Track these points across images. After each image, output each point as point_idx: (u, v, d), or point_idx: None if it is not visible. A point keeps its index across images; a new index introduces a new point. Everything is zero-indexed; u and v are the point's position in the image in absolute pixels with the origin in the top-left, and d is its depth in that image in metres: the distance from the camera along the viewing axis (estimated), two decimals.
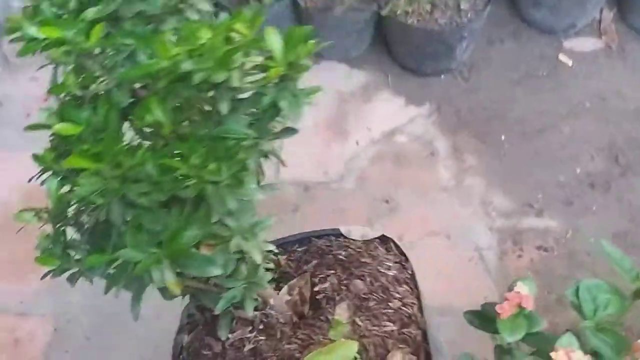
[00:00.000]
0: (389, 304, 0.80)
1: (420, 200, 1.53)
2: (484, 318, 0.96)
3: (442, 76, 1.69)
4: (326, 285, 0.82)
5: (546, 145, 1.58)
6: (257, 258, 0.64)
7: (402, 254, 0.85)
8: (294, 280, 0.84)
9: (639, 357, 0.86)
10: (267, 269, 0.71)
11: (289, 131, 0.62)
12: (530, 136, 1.60)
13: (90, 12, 0.56)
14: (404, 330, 0.78)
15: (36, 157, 0.58)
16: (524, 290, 0.89)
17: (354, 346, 0.71)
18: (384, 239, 0.87)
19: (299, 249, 0.87)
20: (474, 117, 1.63)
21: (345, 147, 1.61)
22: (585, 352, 0.85)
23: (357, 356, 0.71)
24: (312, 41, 0.55)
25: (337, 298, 0.79)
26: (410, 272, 0.83)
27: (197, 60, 0.51)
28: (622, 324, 0.97)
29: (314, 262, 0.86)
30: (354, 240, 0.87)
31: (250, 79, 0.55)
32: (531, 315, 0.91)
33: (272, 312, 0.79)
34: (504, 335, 0.88)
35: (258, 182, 0.69)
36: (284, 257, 0.86)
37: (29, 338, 1.37)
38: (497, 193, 1.53)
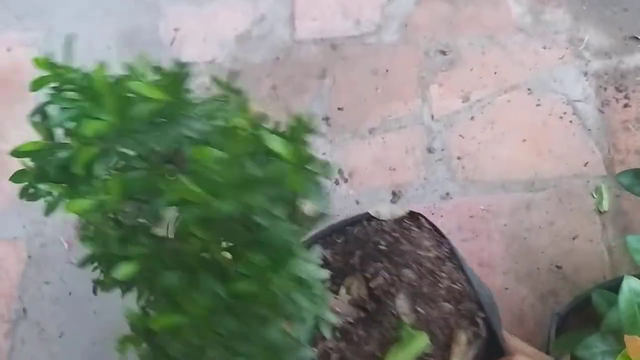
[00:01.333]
0: (440, 285, 0.80)
1: (488, 45, 1.15)
2: None
3: None
4: (379, 279, 0.80)
5: None
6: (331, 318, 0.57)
7: (435, 229, 0.83)
8: (348, 278, 0.81)
9: None
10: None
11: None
12: None
13: None
14: (459, 306, 0.77)
15: None
16: None
17: (424, 337, 0.74)
18: (413, 215, 0.84)
19: (338, 240, 0.85)
20: None
21: None
22: None
23: (430, 344, 0.75)
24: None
25: (393, 290, 0.79)
26: (448, 248, 0.81)
27: None
28: None
29: (358, 253, 0.82)
30: (385, 221, 0.84)
31: None
32: None
33: (339, 318, 0.77)
34: None
35: None
36: (328, 252, 0.83)
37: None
38: (589, 26, 1.14)
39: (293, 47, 1.18)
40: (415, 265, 0.79)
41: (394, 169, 1.08)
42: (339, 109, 1.13)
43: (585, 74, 1.11)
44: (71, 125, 0.51)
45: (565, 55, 1.13)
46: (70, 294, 1.04)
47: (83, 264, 0.58)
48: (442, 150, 1.09)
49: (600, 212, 1.00)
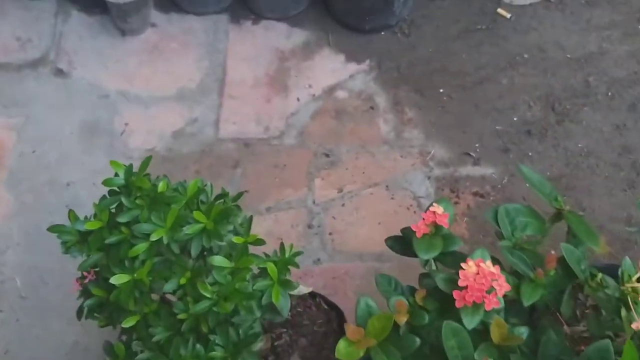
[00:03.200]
0: (323, 352, 1.07)
1: (360, 153, 1.53)
2: (403, 242, 0.97)
3: (382, 33, 1.69)
4: (282, 341, 1.07)
5: (484, 96, 1.59)
6: None
7: (330, 306, 1.11)
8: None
9: (550, 270, 0.88)
10: None
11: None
12: (469, 89, 1.61)
13: None
14: None
15: None
16: (439, 210, 0.90)
17: None
18: (313, 294, 1.13)
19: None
20: (414, 71, 1.64)
21: (286, 104, 1.60)
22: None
23: None
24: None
25: (290, 350, 1.07)
26: (335, 326, 1.08)
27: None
28: (542, 244, 0.98)
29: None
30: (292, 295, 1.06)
31: None
32: (448, 235, 0.92)
33: None
34: (419, 254, 0.89)
35: None
36: None
37: None
38: (435, 144, 1.54)
39: (215, 143, 1.54)
40: (310, 336, 1.10)
41: (281, 238, 1.41)
42: (245, 191, 1.48)
43: (429, 177, 1.49)
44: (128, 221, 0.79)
45: (416, 163, 1.51)
46: (17, 320, 1.32)
47: (90, 309, 0.86)
48: (319, 227, 1.44)
49: None
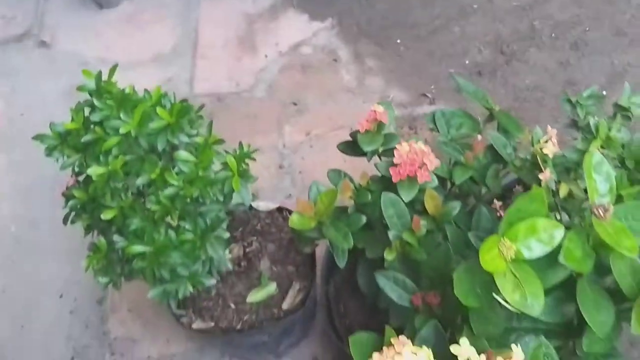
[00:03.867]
0: (289, 256, 1.18)
1: (326, 100, 1.65)
2: (353, 144, 1.08)
3: None
4: (253, 247, 1.18)
5: (438, 44, 1.72)
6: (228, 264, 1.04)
7: None
8: (232, 244, 1.19)
9: (478, 154, 0.99)
10: None
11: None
12: (424, 38, 1.74)
13: None
14: (298, 269, 1.16)
15: None
16: (380, 109, 1.02)
17: (274, 285, 1.13)
18: (280, 209, 1.24)
19: (228, 220, 1.18)
20: (373, 26, 1.77)
21: (255, 61, 1.72)
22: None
23: (276, 289, 1.13)
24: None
25: (260, 255, 1.18)
26: None
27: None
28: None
29: (240, 229, 1.21)
30: (261, 211, 1.23)
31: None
32: (389, 134, 1.04)
33: (222, 268, 1.10)
34: (363, 147, 1.01)
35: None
36: None
37: None
38: (395, 88, 1.66)
39: (190, 98, 1.65)
40: (277, 242, 1.20)
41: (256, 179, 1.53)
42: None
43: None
44: (101, 120, 0.88)
45: None
46: (12, 262, 1.43)
47: (72, 208, 0.97)
48: (289, 167, 1.55)
49: None
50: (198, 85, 1.69)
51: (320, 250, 1.25)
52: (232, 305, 1.13)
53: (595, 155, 0.74)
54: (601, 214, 0.72)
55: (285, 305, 1.13)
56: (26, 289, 1.40)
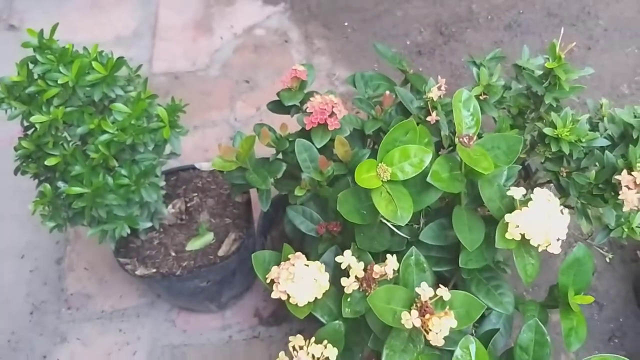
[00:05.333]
0: (227, 209, 1.29)
1: (276, 78, 1.76)
2: (280, 104, 1.19)
3: None
4: (194, 202, 1.30)
5: (382, 26, 1.84)
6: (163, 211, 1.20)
7: None
8: (175, 200, 1.29)
9: (388, 108, 1.11)
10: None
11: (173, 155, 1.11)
12: (369, 21, 1.85)
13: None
14: (235, 221, 1.27)
15: None
16: (300, 67, 1.13)
17: (211, 234, 1.25)
18: None
19: (172, 179, 1.34)
20: (322, 10, 1.88)
21: (210, 42, 1.83)
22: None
23: (214, 238, 1.24)
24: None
25: (200, 209, 1.29)
26: None
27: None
28: None
29: (183, 187, 1.33)
30: (203, 171, 1.35)
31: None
32: (309, 92, 1.15)
33: (165, 221, 1.26)
34: (284, 102, 1.12)
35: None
36: (166, 184, 1.29)
37: None
38: (340, 67, 1.78)
39: (149, 77, 1.77)
40: (216, 197, 1.31)
41: (207, 150, 1.64)
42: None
43: (333, 93, 1.72)
44: (42, 73, 0.98)
45: (324, 84, 1.74)
46: None
47: (20, 158, 1.07)
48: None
49: None
50: (156, 65, 1.80)
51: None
52: (173, 254, 1.24)
53: (463, 92, 0.85)
54: (466, 142, 0.83)
55: (221, 252, 1.23)
56: None
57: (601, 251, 1.21)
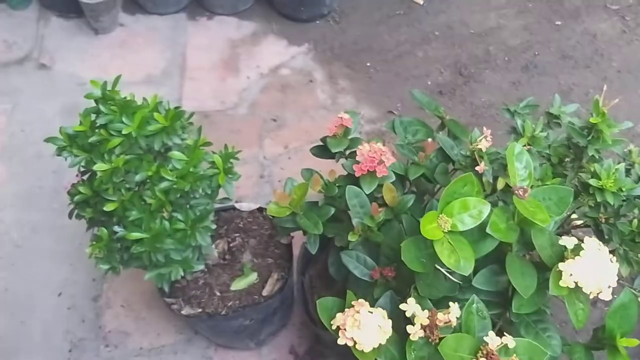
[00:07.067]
0: (269, 249, 1.33)
1: (302, 117, 1.82)
2: (323, 148, 1.24)
3: (317, 21, 2.01)
4: (236, 242, 1.34)
5: (403, 67, 1.91)
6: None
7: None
8: (217, 240, 1.33)
9: (430, 154, 1.16)
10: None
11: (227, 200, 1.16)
12: (390, 62, 1.92)
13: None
14: (277, 261, 1.32)
15: None
16: (345, 115, 1.18)
17: (255, 274, 1.29)
18: (260, 209, 1.39)
19: (214, 219, 1.32)
20: (345, 51, 1.95)
21: (238, 82, 1.89)
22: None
23: (257, 278, 1.28)
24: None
25: (242, 249, 1.33)
26: None
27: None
28: None
29: (225, 227, 1.37)
30: (243, 211, 1.39)
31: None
32: (354, 138, 1.20)
33: (209, 261, 1.30)
34: (331, 148, 1.17)
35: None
36: None
37: None
38: (365, 106, 1.84)
39: None
40: (258, 237, 1.35)
41: (239, 187, 1.68)
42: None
43: (360, 132, 1.78)
44: (104, 123, 1.02)
45: None
46: (12, 264, 1.56)
47: (78, 202, 1.10)
48: (269, 176, 1.71)
49: None
50: (186, 104, 1.85)
51: (298, 247, 1.40)
52: (218, 293, 1.27)
53: (516, 146, 0.91)
54: (521, 194, 0.88)
55: (265, 292, 1.27)
56: (27, 288, 1.53)
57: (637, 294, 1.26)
